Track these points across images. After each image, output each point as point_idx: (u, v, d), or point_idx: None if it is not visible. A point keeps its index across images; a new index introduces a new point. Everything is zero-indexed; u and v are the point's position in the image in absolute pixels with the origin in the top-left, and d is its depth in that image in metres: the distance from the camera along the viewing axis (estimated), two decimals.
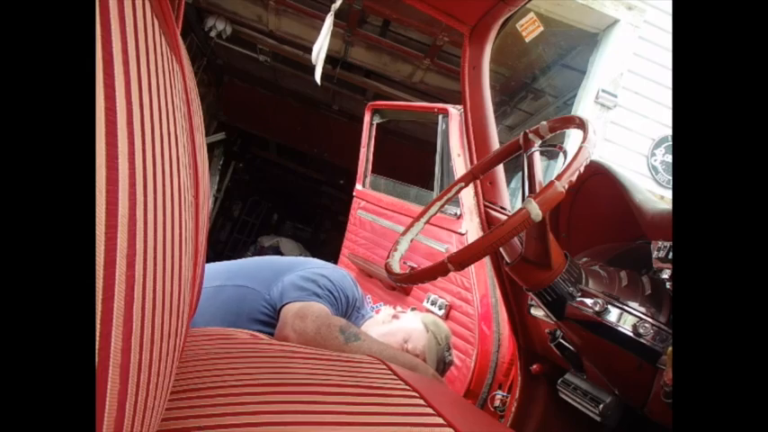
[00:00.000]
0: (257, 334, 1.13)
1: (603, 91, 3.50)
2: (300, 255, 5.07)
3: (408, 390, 0.84)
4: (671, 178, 3.63)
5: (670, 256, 0.80)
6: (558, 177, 0.69)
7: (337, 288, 1.33)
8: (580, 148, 0.72)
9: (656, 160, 3.64)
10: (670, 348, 0.77)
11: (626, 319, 0.83)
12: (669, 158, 3.63)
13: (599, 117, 3.50)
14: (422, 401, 0.80)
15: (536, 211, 0.67)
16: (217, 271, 1.40)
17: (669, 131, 3.61)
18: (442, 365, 1.40)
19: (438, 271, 0.76)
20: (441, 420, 0.74)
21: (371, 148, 2.87)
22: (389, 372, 0.93)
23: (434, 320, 1.44)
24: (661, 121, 3.61)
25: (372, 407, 0.74)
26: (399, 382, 0.88)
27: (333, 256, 3.12)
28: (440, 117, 2.34)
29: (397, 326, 1.40)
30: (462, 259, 0.73)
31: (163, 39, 0.56)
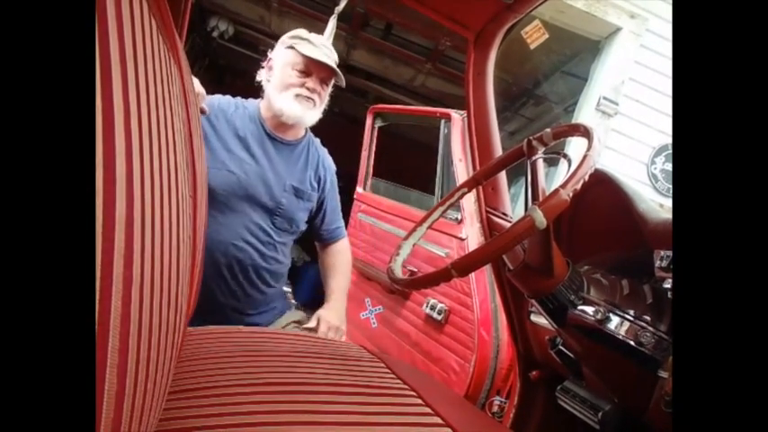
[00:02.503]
0: (255, 329, 1.13)
1: (605, 98, 3.51)
2: (299, 256, 5.05)
3: (406, 389, 0.84)
4: (671, 187, 3.64)
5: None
6: (563, 185, 0.69)
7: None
8: (585, 156, 0.72)
9: (655, 168, 3.65)
10: (671, 357, 0.77)
11: (627, 327, 0.83)
12: (669, 167, 3.64)
13: (599, 124, 3.50)
14: (419, 400, 0.80)
15: (540, 219, 0.67)
16: None
17: (669, 140, 3.61)
18: None
19: (441, 277, 0.76)
20: (438, 420, 0.73)
21: (373, 151, 2.87)
22: (388, 371, 0.93)
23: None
24: (661, 129, 3.61)
25: (370, 406, 0.74)
26: (398, 381, 0.88)
27: None
28: (442, 121, 2.34)
29: None
30: (466, 265, 0.72)
31: (161, 39, 0.56)
